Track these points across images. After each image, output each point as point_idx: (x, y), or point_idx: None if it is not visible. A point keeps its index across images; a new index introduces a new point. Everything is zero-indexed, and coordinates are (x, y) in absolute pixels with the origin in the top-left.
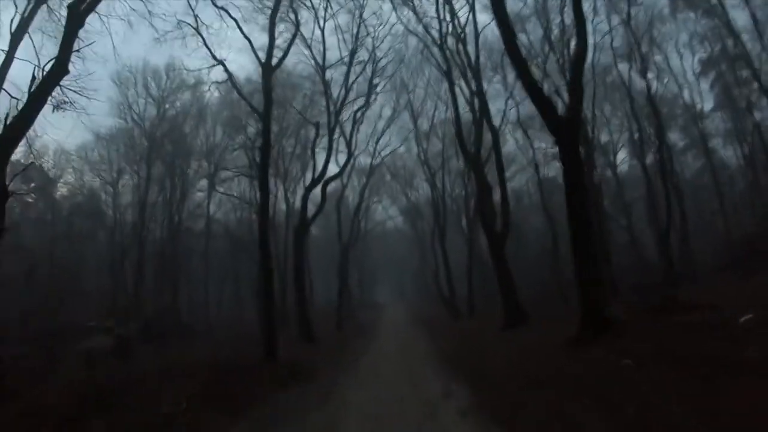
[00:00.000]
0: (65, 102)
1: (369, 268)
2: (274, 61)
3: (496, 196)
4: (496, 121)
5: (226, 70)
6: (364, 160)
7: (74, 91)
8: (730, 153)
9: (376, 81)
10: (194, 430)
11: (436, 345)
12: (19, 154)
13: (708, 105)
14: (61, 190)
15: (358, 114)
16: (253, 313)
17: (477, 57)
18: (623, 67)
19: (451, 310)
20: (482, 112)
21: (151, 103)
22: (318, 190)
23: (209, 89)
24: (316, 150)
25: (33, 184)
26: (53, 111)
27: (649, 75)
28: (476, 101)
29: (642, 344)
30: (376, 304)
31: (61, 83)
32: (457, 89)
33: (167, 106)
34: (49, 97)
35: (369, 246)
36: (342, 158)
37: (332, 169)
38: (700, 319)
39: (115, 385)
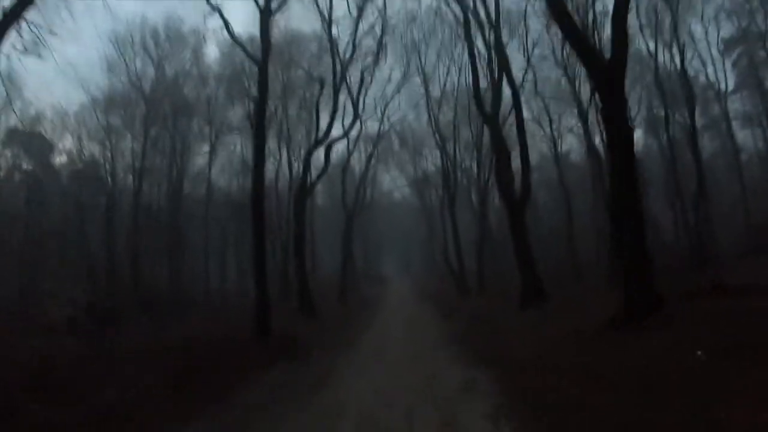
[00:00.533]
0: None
1: (375, 239)
2: (274, 4)
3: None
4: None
5: (222, 16)
6: (372, 125)
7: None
8: (747, 136)
9: (385, 40)
10: (135, 428)
11: (447, 324)
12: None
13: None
14: (60, 157)
15: (366, 74)
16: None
17: (498, 11)
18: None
19: (459, 284)
20: (502, 69)
21: (150, 63)
22: (322, 153)
23: (204, 39)
24: (320, 110)
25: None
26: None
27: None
28: (495, 59)
29: (706, 331)
30: (381, 276)
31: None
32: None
33: (166, 66)
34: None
35: (375, 217)
36: (348, 121)
37: (337, 134)
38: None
39: (65, 364)
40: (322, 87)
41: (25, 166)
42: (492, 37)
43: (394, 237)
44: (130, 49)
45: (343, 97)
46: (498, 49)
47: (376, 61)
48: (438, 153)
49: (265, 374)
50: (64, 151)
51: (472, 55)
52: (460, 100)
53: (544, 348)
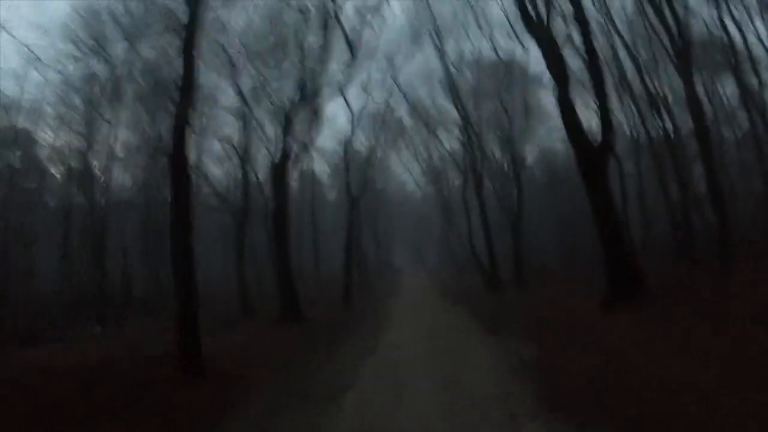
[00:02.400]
0: None
1: (388, 233)
2: None
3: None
4: None
5: None
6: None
7: None
8: None
9: None
10: None
11: (498, 341)
12: None
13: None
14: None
15: (366, 14)
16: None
17: None
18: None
19: (490, 278)
20: None
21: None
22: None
23: None
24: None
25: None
26: None
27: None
28: None
29: None
30: (395, 270)
31: None
32: None
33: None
34: None
35: (387, 209)
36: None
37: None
38: None
39: None
40: (306, 20)
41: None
42: None
43: (408, 230)
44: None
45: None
46: None
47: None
48: (456, 131)
49: None
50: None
51: None
52: (482, 65)
53: None
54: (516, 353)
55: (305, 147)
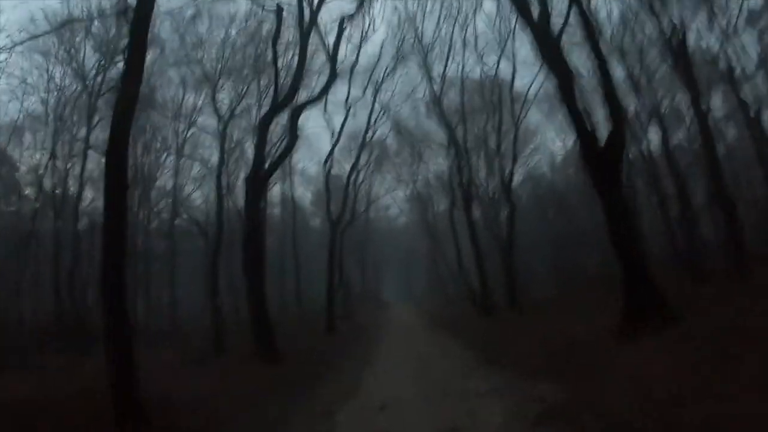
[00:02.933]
0: None
1: (373, 262)
2: None
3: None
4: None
5: None
6: (360, 117)
7: None
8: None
9: None
10: None
11: (510, 377)
12: None
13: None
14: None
15: (345, 24)
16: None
17: None
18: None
19: (484, 303)
20: None
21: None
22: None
23: None
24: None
25: None
26: None
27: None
28: None
29: None
30: (381, 301)
31: None
32: None
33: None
34: None
35: (373, 238)
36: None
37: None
38: None
39: None
40: (279, 21)
41: None
42: None
43: (394, 260)
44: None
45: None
46: None
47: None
48: (442, 152)
49: None
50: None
51: None
52: (468, 83)
53: None
54: (532, 394)
55: (281, 160)
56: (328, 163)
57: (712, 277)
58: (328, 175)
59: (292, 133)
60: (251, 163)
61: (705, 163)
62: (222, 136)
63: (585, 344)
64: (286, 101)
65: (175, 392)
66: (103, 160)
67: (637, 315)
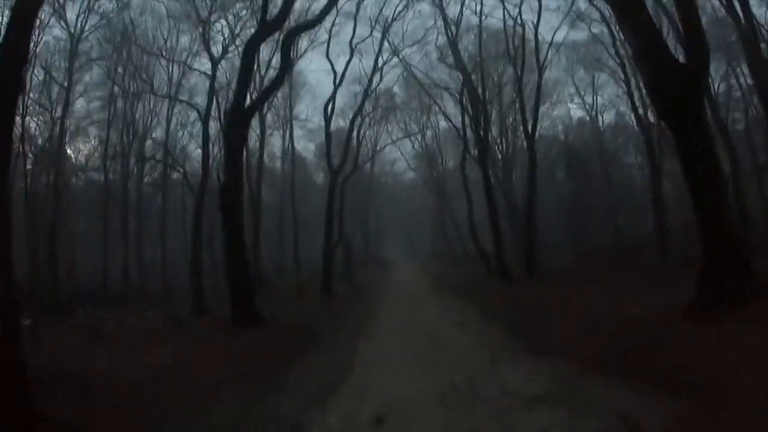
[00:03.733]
0: None
1: (377, 221)
2: None
3: None
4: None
5: None
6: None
7: None
8: None
9: None
10: None
11: (566, 376)
12: None
13: None
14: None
15: None
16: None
17: None
18: None
19: (498, 269)
20: None
21: None
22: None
23: None
24: None
25: None
26: None
27: None
28: None
29: None
30: (384, 260)
31: None
32: None
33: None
34: None
35: (378, 199)
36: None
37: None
38: None
39: None
40: None
41: None
42: None
43: (399, 219)
44: None
45: None
46: None
47: None
48: (452, 103)
49: None
50: None
51: None
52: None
53: None
54: (609, 407)
55: (270, 92)
56: (330, 105)
57: None
58: (329, 119)
59: (285, 60)
60: None
61: None
62: (213, 76)
63: (650, 326)
64: (277, 23)
65: (127, 371)
66: None
67: (720, 291)
